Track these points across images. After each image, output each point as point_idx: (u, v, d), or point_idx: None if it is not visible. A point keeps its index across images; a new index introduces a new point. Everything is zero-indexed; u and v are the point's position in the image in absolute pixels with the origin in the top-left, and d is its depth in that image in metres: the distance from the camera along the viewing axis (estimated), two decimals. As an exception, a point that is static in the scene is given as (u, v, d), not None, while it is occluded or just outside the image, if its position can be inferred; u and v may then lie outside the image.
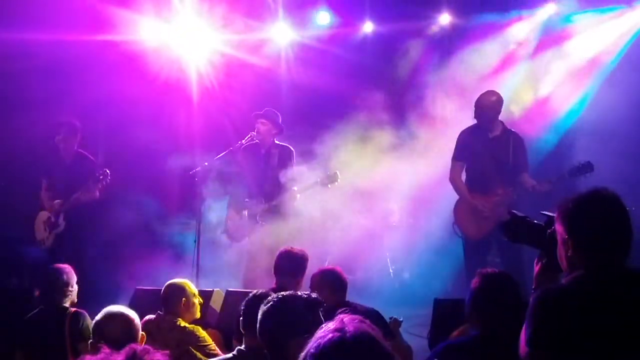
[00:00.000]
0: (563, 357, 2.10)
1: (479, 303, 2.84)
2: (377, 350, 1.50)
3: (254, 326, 2.40)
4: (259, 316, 2.36)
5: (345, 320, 1.55)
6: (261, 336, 2.37)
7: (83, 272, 5.92)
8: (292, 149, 6.20)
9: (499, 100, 5.44)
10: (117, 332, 2.70)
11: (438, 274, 7.34)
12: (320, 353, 1.48)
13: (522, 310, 2.27)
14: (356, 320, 1.55)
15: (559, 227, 2.30)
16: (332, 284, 3.82)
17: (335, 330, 1.51)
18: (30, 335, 3.82)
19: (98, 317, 2.83)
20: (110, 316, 2.79)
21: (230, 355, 2.79)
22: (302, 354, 1.53)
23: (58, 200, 6.09)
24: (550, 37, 7.33)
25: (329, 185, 5.92)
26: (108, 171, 6.07)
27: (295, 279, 4.08)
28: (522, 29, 7.47)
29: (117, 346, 1.75)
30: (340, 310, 2.04)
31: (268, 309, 2.33)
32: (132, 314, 2.84)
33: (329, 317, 1.81)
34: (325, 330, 1.52)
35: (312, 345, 1.51)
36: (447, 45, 7.90)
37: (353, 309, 3.47)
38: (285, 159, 6.07)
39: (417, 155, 7.84)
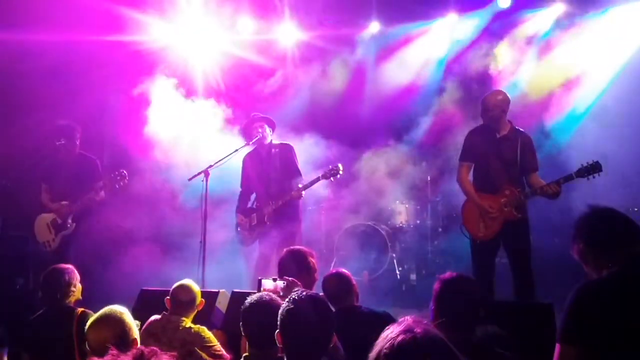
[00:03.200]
0: (592, 348, 2.22)
1: (441, 308, 2.72)
2: (446, 349, 1.60)
3: None
4: None
5: (411, 322, 1.65)
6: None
7: (89, 272, 5.96)
8: (292, 145, 6.17)
9: (505, 99, 5.36)
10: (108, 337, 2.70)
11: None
12: (393, 353, 1.57)
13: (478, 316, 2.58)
14: (423, 322, 1.66)
15: (576, 250, 2.63)
16: (341, 289, 3.78)
17: (406, 331, 1.61)
18: (36, 336, 3.79)
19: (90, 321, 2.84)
20: (101, 320, 2.81)
21: None
22: (373, 354, 1.62)
23: (64, 202, 6.07)
24: (562, 34, 7.29)
25: (331, 179, 5.85)
26: (125, 172, 6.06)
27: (302, 279, 3.99)
28: (534, 25, 7.43)
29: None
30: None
31: None
32: (122, 317, 2.84)
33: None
34: (395, 332, 1.62)
35: (384, 345, 1.60)
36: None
37: (363, 312, 3.44)
38: (287, 157, 6.05)
39: (423, 155, 7.82)
